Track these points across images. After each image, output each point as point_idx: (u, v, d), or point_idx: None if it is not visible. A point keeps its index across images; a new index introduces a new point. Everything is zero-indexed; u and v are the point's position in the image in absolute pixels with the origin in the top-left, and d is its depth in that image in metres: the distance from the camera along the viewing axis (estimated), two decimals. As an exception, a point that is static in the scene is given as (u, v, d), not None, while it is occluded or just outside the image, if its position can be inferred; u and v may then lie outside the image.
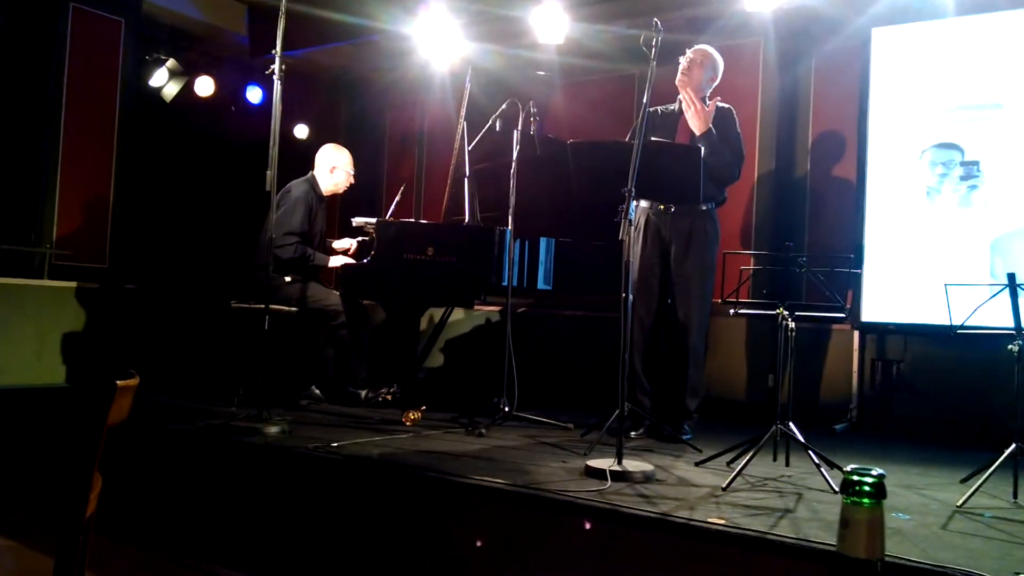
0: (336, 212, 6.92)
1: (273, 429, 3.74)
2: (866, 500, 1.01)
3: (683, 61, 4.23)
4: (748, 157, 5.36)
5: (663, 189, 3.88)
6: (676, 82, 4.20)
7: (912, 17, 4.86)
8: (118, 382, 1.91)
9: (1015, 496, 3.07)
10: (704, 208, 4.17)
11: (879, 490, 1.02)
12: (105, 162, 5.93)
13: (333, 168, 5.15)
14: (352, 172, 5.22)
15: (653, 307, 4.28)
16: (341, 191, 5.27)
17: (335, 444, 3.55)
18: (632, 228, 3.28)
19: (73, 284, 5.65)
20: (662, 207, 4.19)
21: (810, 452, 3.22)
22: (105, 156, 5.93)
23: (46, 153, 5.61)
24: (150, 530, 3.48)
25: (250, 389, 4.29)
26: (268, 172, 3.90)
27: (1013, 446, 3.06)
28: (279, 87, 3.98)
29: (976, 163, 4.62)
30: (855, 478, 1.02)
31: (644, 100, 3.60)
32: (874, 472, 1.02)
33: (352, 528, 3.12)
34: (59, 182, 5.65)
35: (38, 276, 5.51)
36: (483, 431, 4.08)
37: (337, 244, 5.21)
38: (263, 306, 4.03)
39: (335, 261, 5.00)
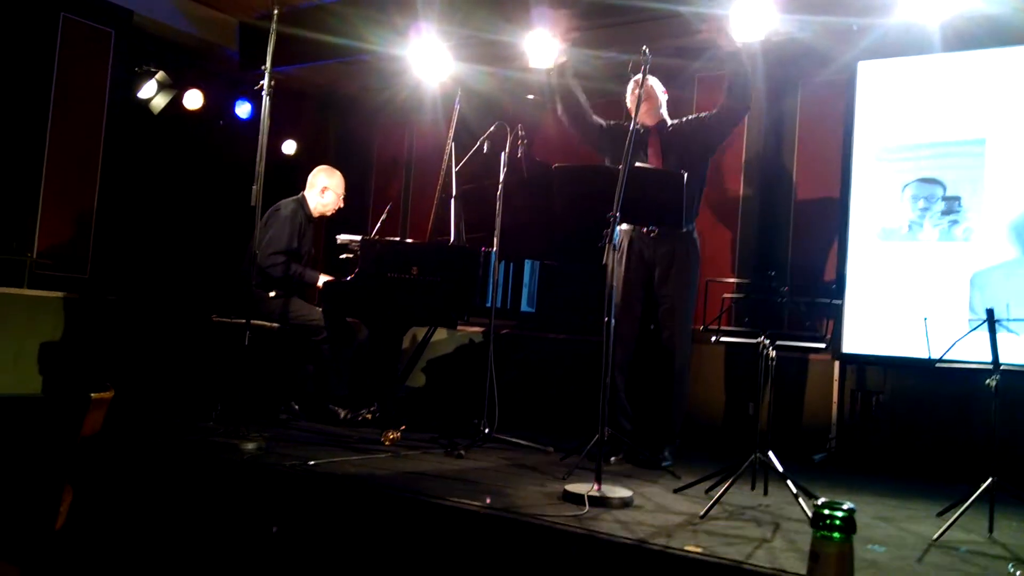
0: (322, 230, 6.90)
1: (250, 445, 3.71)
2: (836, 534, 1.01)
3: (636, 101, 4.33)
4: (733, 184, 5.41)
5: (645, 213, 3.91)
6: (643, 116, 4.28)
7: (899, 52, 4.92)
8: (92, 394, 1.90)
9: (991, 531, 3.08)
10: (685, 230, 4.22)
11: (849, 524, 1.01)
12: (90, 172, 5.89)
13: (324, 190, 5.16)
14: (342, 195, 5.24)
15: (636, 329, 4.30)
16: (330, 213, 5.26)
17: (312, 462, 3.52)
18: (615, 251, 3.30)
19: (53, 293, 5.60)
20: (645, 229, 4.24)
21: (788, 482, 3.22)
22: (91, 166, 5.89)
23: (30, 161, 5.57)
24: (122, 545, 3.43)
25: (229, 404, 4.26)
26: (254, 187, 3.90)
27: (990, 480, 3.07)
28: (268, 102, 3.98)
29: (958, 198, 4.67)
30: (825, 512, 1.01)
31: (631, 126, 3.63)
32: (844, 506, 1.02)
33: (327, 547, 3.09)
34: (43, 191, 5.60)
35: (18, 285, 5.46)
36: (462, 452, 4.06)
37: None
38: (244, 320, 4.00)
39: (324, 280, 4.97)
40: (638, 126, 4.35)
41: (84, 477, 2.04)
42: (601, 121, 4.54)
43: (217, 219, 6.81)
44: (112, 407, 2.04)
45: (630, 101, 4.36)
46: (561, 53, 4.59)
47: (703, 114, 4.44)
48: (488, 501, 2.91)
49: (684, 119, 4.49)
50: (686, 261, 4.25)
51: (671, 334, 4.22)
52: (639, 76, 4.17)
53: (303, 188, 5.24)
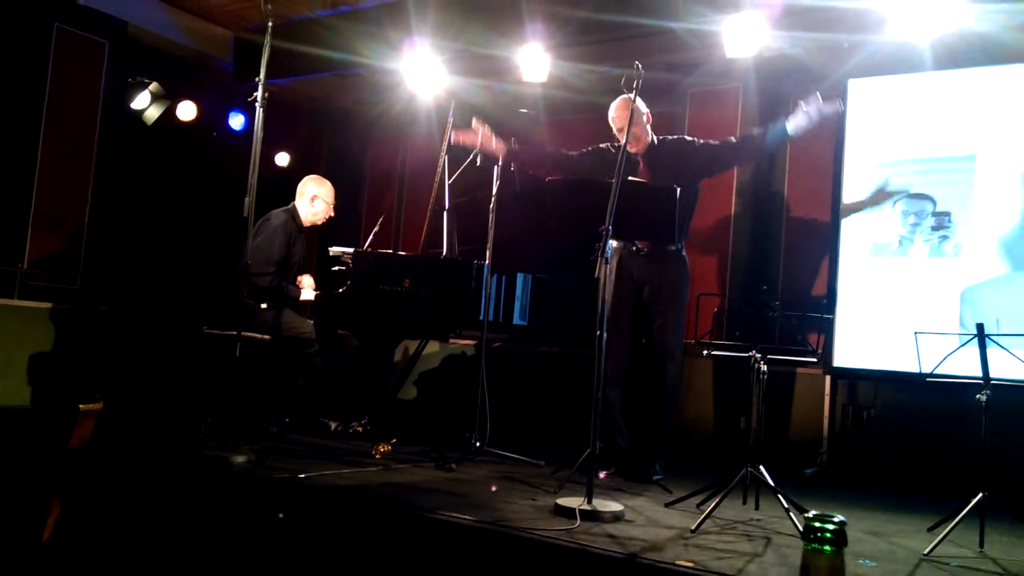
0: (314, 242, 6.89)
1: (240, 458, 3.69)
2: (827, 547, 1.01)
3: (620, 131, 4.29)
4: (725, 200, 5.43)
5: (638, 228, 3.91)
6: (632, 149, 4.24)
7: (889, 70, 4.96)
8: (81, 406, 1.89)
9: (981, 545, 3.08)
10: (673, 248, 4.22)
11: (840, 537, 1.01)
12: (82, 182, 5.87)
13: (314, 198, 5.16)
14: (332, 204, 5.23)
15: (628, 345, 4.30)
16: (319, 222, 5.25)
17: (302, 475, 3.51)
18: (607, 265, 3.30)
19: (44, 304, 5.57)
20: (634, 248, 4.24)
21: (779, 496, 3.22)
22: (82, 176, 5.88)
23: (22, 171, 5.55)
24: (110, 559, 3.40)
25: (219, 416, 4.24)
26: (246, 199, 3.90)
27: (980, 495, 3.08)
28: (261, 114, 3.98)
29: (948, 214, 4.70)
30: (816, 524, 1.01)
31: (624, 140, 3.64)
32: (835, 519, 1.01)
33: (317, 561, 3.07)
34: (34, 201, 5.58)
35: (8, 295, 5.43)
36: (453, 466, 4.04)
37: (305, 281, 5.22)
38: (235, 332, 3.99)
39: (306, 294, 4.99)
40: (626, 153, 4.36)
41: (72, 490, 2.03)
42: (574, 153, 4.51)
43: (209, 231, 6.80)
44: (101, 419, 2.03)
45: (618, 120, 4.31)
46: (497, 143, 4.50)
47: (705, 142, 4.33)
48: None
49: (673, 137, 4.45)
50: (676, 279, 4.24)
51: (663, 350, 4.23)
52: (627, 96, 4.18)
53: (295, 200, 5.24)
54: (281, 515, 3.08)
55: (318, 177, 5.28)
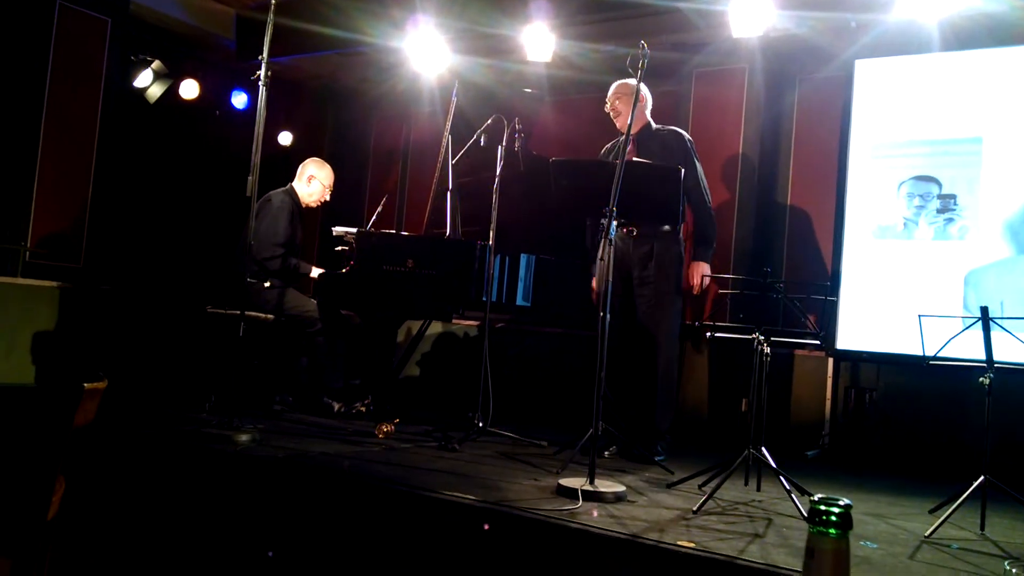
0: (317, 222, 6.89)
1: (244, 437, 3.70)
2: (832, 530, 1.01)
3: (616, 116, 4.33)
4: (729, 180, 5.41)
5: (643, 210, 3.88)
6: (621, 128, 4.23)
7: (897, 51, 4.92)
8: (85, 384, 1.89)
9: (982, 528, 3.09)
10: (665, 229, 4.20)
11: (846, 520, 1.01)
12: (85, 161, 5.86)
13: (311, 179, 5.15)
14: (329, 187, 5.21)
15: (617, 327, 4.27)
16: (315, 204, 5.24)
17: (306, 454, 3.52)
18: (610, 246, 3.28)
19: (47, 283, 5.58)
20: (624, 229, 4.22)
21: (781, 478, 3.22)
22: (85, 155, 5.86)
23: (25, 150, 5.54)
24: (115, 536, 3.42)
25: (222, 395, 4.25)
26: (249, 178, 3.88)
27: (982, 478, 3.08)
28: (264, 93, 3.96)
29: (953, 196, 4.68)
30: (822, 508, 1.01)
31: (629, 120, 3.62)
32: (841, 502, 1.01)
33: (319, 540, 3.09)
34: (37, 179, 5.57)
35: (12, 274, 5.43)
36: (456, 446, 4.06)
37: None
38: (239, 312, 3.99)
39: (317, 272, 4.98)
40: (621, 135, 4.34)
41: (77, 468, 2.03)
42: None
43: (212, 210, 6.79)
44: (105, 397, 2.04)
45: (620, 104, 4.29)
46: None
47: (695, 172, 4.28)
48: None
49: (671, 129, 4.40)
50: (667, 261, 4.21)
51: (653, 333, 4.21)
52: (626, 81, 4.15)
53: (299, 180, 5.23)
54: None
55: (319, 160, 5.29)
